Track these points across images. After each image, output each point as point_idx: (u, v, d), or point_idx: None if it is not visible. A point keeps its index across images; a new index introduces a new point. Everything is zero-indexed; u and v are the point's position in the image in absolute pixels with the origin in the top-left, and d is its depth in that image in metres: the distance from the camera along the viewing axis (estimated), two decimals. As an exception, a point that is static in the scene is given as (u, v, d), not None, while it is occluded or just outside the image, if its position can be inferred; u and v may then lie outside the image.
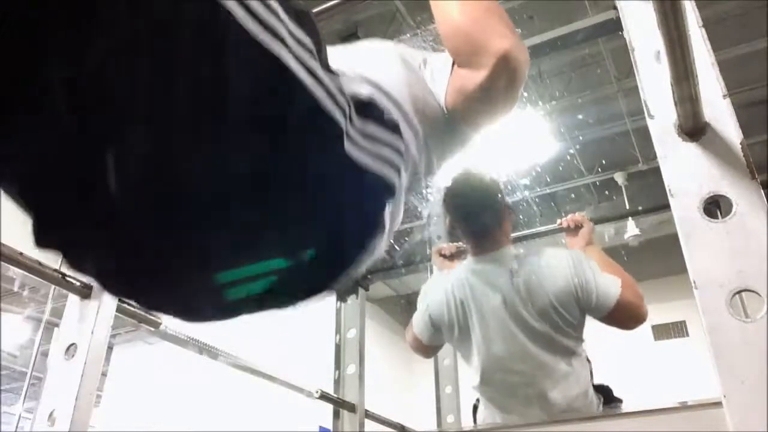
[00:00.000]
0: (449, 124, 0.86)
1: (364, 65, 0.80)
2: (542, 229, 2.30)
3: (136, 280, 0.57)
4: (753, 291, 0.54)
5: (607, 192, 6.12)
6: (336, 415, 2.04)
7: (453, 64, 0.85)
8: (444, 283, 1.70)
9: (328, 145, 0.57)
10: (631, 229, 5.69)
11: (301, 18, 0.59)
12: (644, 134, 4.63)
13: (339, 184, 0.59)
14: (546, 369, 1.49)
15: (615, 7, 0.79)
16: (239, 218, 0.53)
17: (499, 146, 4.75)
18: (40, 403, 1.08)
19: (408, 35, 4.11)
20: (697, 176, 0.61)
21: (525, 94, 4.80)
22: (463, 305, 1.61)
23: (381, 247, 0.69)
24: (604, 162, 5.83)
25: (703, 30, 0.67)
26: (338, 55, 0.82)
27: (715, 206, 0.60)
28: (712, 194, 0.60)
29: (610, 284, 1.52)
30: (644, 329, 6.47)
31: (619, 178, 5.83)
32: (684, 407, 0.75)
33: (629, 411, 0.81)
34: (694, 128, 0.63)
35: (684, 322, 6.57)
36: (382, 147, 0.64)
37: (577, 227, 1.87)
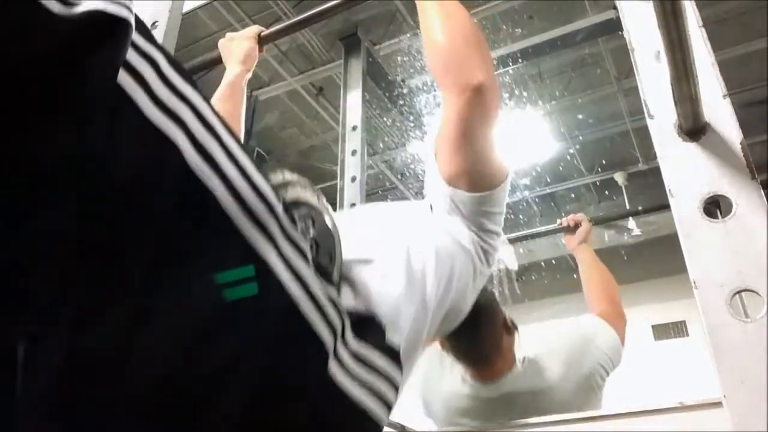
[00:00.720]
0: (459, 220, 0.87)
1: (383, 252, 0.71)
2: (542, 229, 2.31)
3: None
4: (753, 291, 0.54)
5: (607, 192, 6.12)
6: (336, 415, 2.04)
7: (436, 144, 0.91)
8: (450, 402, 1.46)
9: (309, 365, 0.47)
10: (631, 229, 5.70)
11: (299, 209, 0.54)
12: (644, 134, 4.63)
13: (316, 418, 0.47)
14: None
15: (615, 7, 0.79)
16: None
17: (499, 146, 4.74)
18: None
19: (408, 35, 4.11)
20: (697, 176, 0.61)
21: (525, 94, 4.80)
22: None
23: None
24: (604, 162, 5.83)
25: (703, 30, 0.67)
26: (359, 230, 0.75)
27: (715, 206, 0.60)
28: (712, 194, 0.60)
29: (613, 347, 1.48)
30: (644, 329, 6.47)
31: (619, 178, 5.83)
32: (684, 407, 0.75)
33: (629, 411, 0.81)
34: (694, 128, 0.63)
35: (684, 322, 6.57)
36: (377, 377, 0.54)
37: (576, 226, 1.90)
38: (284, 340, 0.45)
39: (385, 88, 3.93)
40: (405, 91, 3.97)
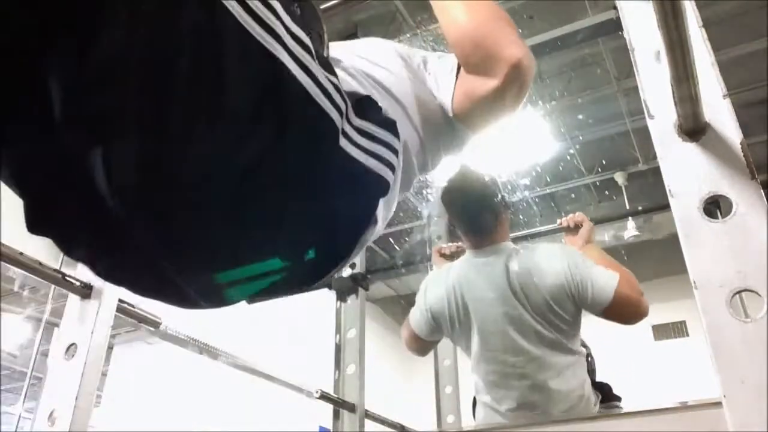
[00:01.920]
0: (450, 126, 0.86)
1: (365, 61, 0.81)
2: (542, 229, 2.31)
3: (134, 275, 0.57)
4: (753, 291, 0.54)
5: (607, 192, 6.12)
6: (336, 415, 2.04)
7: (459, 68, 0.84)
8: (444, 278, 1.72)
9: (324, 142, 0.57)
10: (631, 229, 5.70)
11: (304, 11, 0.60)
12: (644, 134, 4.63)
13: (334, 180, 0.59)
14: (539, 362, 1.51)
15: (615, 7, 0.79)
16: (236, 217, 0.53)
17: (499, 146, 4.75)
18: (40, 403, 1.08)
19: (408, 35, 4.11)
20: (697, 176, 0.61)
21: (525, 94, 4.80)
22: (463, 298, 1.62)
23: (371, 238, 0.71)
24: (604, 162, 5.83)
25: (703, 30, 0.67)
26: (339, 51, 0.82)
27: (715, 206, 0.60)
28: (712, 194, 0.60)
29: (606, 278, 1.52)
30: (644, 329, 6.47)
31: (619, 178, 5.83)
32: (684, 407, 0.75)
33: (629, 411, 0.81)
34: (694, 128, 0.63)
35: (684, 322, 6.58)
36: (378, 145, 0.64)
37: (577, 227, 1.88)
38: (304, 121, 0.54)
39: (385, 88, 3.92)
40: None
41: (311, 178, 0.56)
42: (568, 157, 5.66)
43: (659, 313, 6.35)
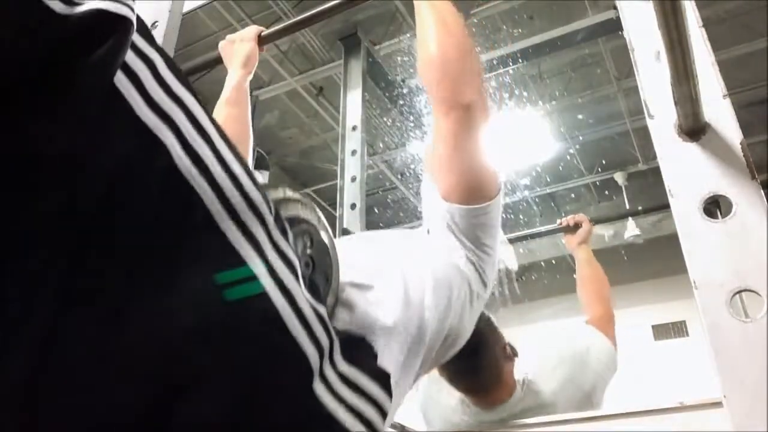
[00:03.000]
0: (458, 231, 0.87)
1: (381, 279, 0.71)
2: (542, 229, 2.31)
3: None
4: (753, 291, 0.54)
5: (607, 192, 6.12)
6: (336, 415, 2.04)
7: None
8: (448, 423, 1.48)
9: (293, 383, 0.45)
10: (631, 229, 5.69)
11: (297, 226, 0.54)
12: (644, 134, 4.63)
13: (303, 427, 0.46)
14: None
15: (615, 7, 0.79)
16: None
17: (499, 146, 4.75)
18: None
19: (408, 35, 4.11)
20: (697, 176, 0.61)
21: (525, 94, 4.80)
22: None
23: None
24: (604, 162, 5.83)
25: (703, 30, 0.67)
26: (358, 256, 0.75)
27: (715, 206, 0.60)
28: (712, 194, 0.60)
29: (609, 357, 1.51)
30: (644, 329, 6.47)
31: (619, 178, 5.83)
32: (684, 407, 0.75)
33: (629, 411, 0.81)
34: (694, 128, 0.63)
35: (684, 322, 6.57)
36: (363, 400, 0.52)
37: (577, 226, 1.92)
38: (265, 352, 0.43)
39: (385, 88, 3.93)
40: (405, 91, 3.97)
41: (267, 427, 0.44)
42: (568, 157, 5.66)
43: (659, 313, 6.35)
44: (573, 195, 6.29)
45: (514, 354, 1.43)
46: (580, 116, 5.19)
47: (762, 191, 0.58)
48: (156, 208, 0.41)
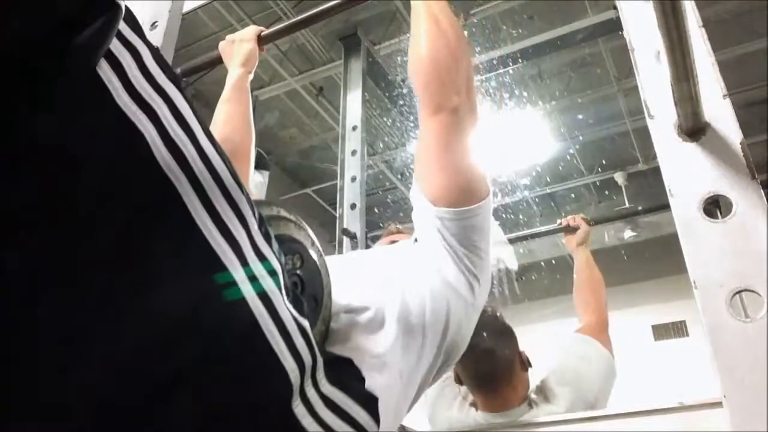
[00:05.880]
0: (448, 245, 0.82)
1: (378, 301, 0.69)
2: (542, 229, 2.31)
3: None
4: (753, 291, 0.54)
5: (607, 192, 6.12)
6: (336, 415, 2.04)
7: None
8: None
9: (269, 401, 0.43)
10: (630, 229, 5.71)
11: (286, 244, 0.51)
12: (644, 134, 4.62)
13: None
14: None
15: (615, 7, 0.79)
16: None
17: (499, 146, 4.75)
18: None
19: (408, 35, 4.10)
20: (697, 176, 0.61)
21: (525, 94, 4.80)
22: None
23: None
24: (604, 162, 5.83)
25: (703, 30, 0.67)
26: (354, 281, 0.73)
27: (715, 206, 0.60)
28: (712, 194, 0.60)
29: (608, 365, 1.51)
30: (644, 329, 6.47)
31: (619, 178, 5.83)
32: (684, 407, 0.75)
33: (629, 411, 0.81)
34: (694, 128, 0.63)
35: (684, 322, 6.57)
36: (346, 425, 0.50)
37: (576, 227, 1.93)
38: (241, 362, 0.41)
39: (385, 88, 3.93)
40: (405, 91, 3.98)
41: None
42: (568, 157, 5.66)
43: (659, 313, 6.35)
44: (573, 195, 6.29)
45: (529, 365, 1.44)
46: (580, 116, 5.19)
47: (762, 191, 0.58)
48: (134, 199, 0.39)
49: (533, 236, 2.41)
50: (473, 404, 1.45)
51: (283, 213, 0.59)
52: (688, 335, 6.55)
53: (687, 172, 0.62)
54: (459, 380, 1.46)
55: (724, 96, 0.63)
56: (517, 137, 4.94)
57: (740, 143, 0.60)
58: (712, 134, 0.62)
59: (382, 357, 0.61)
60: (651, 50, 0.69)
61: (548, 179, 5.93)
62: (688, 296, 0.58)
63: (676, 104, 0.62)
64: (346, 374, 0.53)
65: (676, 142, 0.64)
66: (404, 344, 0.66)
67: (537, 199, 6.16)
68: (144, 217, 0.40)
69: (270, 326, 0.42)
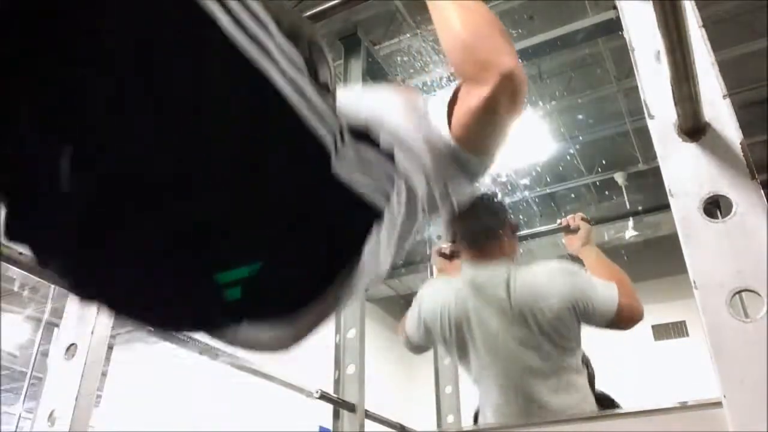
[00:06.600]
0: (456, 158, 0.84)
1: (366, 103, 0.78)
2: (542, 229, 2.31)
3: (110, 285, 0.53)
4: (753, 291, 0.54)
5: (607, 192, 6.12)
6: (336, 415, 2.04)
7: (455, 93, 0.84)
8: (440, 292, 1.68)
9: (313, 165, 0.53)
10: (631, 229, 5.71)
11: (295, 32, 0.57)
12: (644, 134, 4.62)
13: (322, 206, 0.55)
14: (542, 381, 1.48)
15: (615, 7, 0.79)
16: (214, 230, 0.50)
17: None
18: (40, 403, 1.08)
19: (408, 35, 4.11)
20: (697, 176, 0.61)
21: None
22: (457, 317, 1.59)
23: (355, 284, 0.59)
24: (604, 162, 5.83)
25: (703, 30, 0.67)
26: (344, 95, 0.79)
27: (715, 206, 0.60)
28: (712, 194, 0.60)
29: (608, 293, 1.51)
30: (644, 329, 6.47)
31: (619, 178, 5.83)
32: (684, 407, 0.75)
33: (629, 411, 0.81)
34: (694, 128, 0.63)
35: (684, 322, 6.57)
36: (373, 169, 0.59)
37: (577, 227, 1.90)
38: (285, 138, 0.51)
39: (385, 88, 3.93)
40: (405, 91, 3.97)
41: (296, 201, 0.53)
42: (568, 157, 5.66)
43: (659, 313, 6.35)
44: (573, 195, 6.29)
45: (517, 229, 1.76)
46: (580, 116, 5.19)
47: (762, 191, 0.58)
48: (173, 28, 0.45)
49: (533, 236, 2.41)
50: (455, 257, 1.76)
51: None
52: (688, 335, 6.56)
53: (687, 172, 0.62)
54: (454, 239, 1.75)
55: (724, 96, 0.63)
56: (517, 137, 4.94)
57: (740, 143, 0.61)
58: (712, 134, 0.62)
59: (388, 124, 0.71)
60: (651, 50, 0.69)
61: (548, 179, 5.93)
62: (688, 296, 0.58)
63: (676, 104, 0.62)
64: (366, 135, 0.62)
65: (676, 142, 0.64)
66: (406, 126, 0.76)
67: (537, 199, 6.16)
68: (182, 43, 0.46)
69: (306, 111, 0.51)
